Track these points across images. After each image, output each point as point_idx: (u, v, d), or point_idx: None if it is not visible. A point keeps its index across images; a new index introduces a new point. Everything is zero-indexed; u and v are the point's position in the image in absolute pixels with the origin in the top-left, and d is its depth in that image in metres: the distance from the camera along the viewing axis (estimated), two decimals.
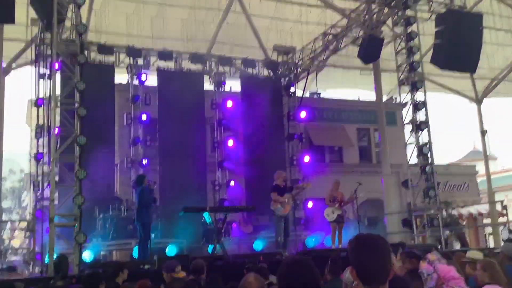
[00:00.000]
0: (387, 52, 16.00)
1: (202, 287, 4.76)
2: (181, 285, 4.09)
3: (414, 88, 13.33)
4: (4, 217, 25.83)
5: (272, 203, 11.16)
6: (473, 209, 20.75)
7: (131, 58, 15.72)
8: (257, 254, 10.93)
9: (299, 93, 18.24)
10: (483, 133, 22.70)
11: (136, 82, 15.86)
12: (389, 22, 14.71)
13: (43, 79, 13.73)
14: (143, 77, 15.71)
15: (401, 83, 13.75)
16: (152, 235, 11.80)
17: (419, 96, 13.47)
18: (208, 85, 17.34)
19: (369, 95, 22.66)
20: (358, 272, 2.31)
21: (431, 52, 13.92)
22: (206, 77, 17.21)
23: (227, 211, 11.83)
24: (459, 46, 12.97)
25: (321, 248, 13.51)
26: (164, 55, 15.97)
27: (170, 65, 16.44)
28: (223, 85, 17.12)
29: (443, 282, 5.44)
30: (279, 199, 11.11)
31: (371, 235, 2.45)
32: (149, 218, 10.99)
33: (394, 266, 2.41)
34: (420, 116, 13.34)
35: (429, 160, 13.17)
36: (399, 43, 13.89)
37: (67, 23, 11.70)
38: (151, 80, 16.31)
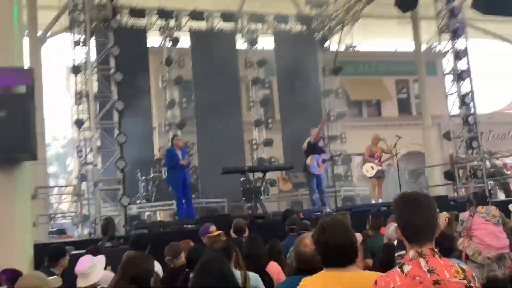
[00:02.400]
0: None
1: (243, 247, 4.81)
2: (220, 245, 4.13)
3: (455, 35, 12.79)
4: (51, 183, 26.86)
5: (308, 160, 11.09)
6: None
7: (163, 20, 15.63)
8: (297, 211, 10.97)
9: (334, 47, 17.80)
10: None
11: (169, 44, 15.83)
12: None
13: (79, 45, 13.88)
14: (176, 40, 15.63)
15: (441, 30, 13.21)
16: (193, 195, 11.92)
17: (460, 43, 12.94)
18: (241, 44, 17.13)
19: (407, 45, 21.94)
20: (403, 230, 2.28)
21: None
22: (238, 36, 16.98)
23: (265, 170, 11.87)
24: None
25: (361, 204, 13.49)
26: (196, 15, 15.81)
27: (202, 25, 16.29)
28: (256, 43, 16.86)
29: (471, 231, 5.56)
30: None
31: (416, 193, 2.42)
32: (175, 179, 10.90)
33: (439, 224, 2.36)
34: (462, 64, 12.85)
35: (472, 110, 12.77)
36: None
37: None
38: (184, 41, 16.24)
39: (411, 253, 2.22)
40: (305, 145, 11.17)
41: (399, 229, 2.31)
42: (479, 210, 5.76)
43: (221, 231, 6.06)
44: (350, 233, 2.62)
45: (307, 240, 3.41)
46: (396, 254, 4.07)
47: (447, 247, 4.11)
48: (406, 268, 2.17)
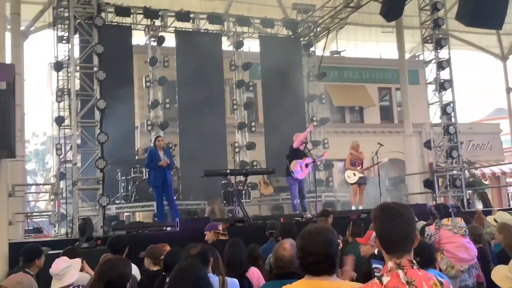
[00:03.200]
0: (410, 8, 15.50)
1: (224, 251, 4.78)
2: (197, 250, 4.11)
3: (438, 45, 12.95)
4: (29, 180, 26.48)
5: (292, 165, 11.10)
6: (497, 168, 20.48)
7: (149, 20, 15.54)
8: (278, 216, 10.99)
9: (319, 53, 17.89)
10: (508, 90, 22.17)
11: (154, 43, 15.73)
12: None
13: (62, 42, 13.72)
14: (161, 39, 15.55)
15: (424, 40, 13.37)
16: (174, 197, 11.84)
17: (443, 53, 13.12)
18: (226, 46, 17.11)
19: (391, 53, 22.17)
20: (381, 241, 2.29)
21: (455, 8, 13.44)
22: (224, 38, 16.97)
23: (247, 174, 11.84)
24: (485, 1, 12.46)
25: (341, 210, 13.53)
26: (182, 15, 15.74)
27: (187, 26, 16.23)
28: (241, 46, 16.86)
29: (440, 245, 5.62)
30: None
31: (395, 203, 2.42)
32: (155, 180, 10.87)
33: (417, 235, 2.37)
34: (444, 74, 13.01)
35: (453, 120, 12.94)
36: None
37: None
38: (169, 41, 16.15)
39: (390, 264, 2.22)
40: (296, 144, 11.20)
41: (377, 239, 2.31)
42: (445, 223, 5.80)
43: (225, 232, 6.25)
44: (329, 243, 2.61)
45: (286, 244, 3.41)
46: (373, 266, 4.07)
47: (427, 257, 4.13)
48: (385, 279, 2.17)
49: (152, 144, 12.24)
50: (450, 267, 5.44)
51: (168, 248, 5.30)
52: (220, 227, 6.58)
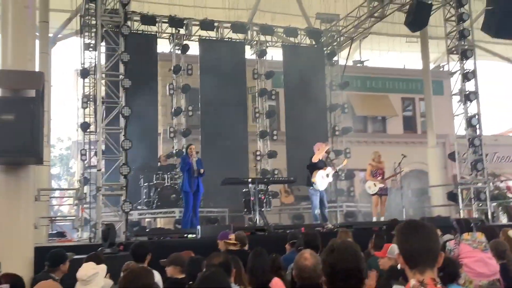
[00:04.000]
0: (435, 18, 15.39)
1: (247, 260, 4.78)
2: (220, 259, 4.12)
3: (464, 56, 12.81)
4: (53, 184, 26.91)
5: (313, 175, 11.08)
6: None
7: (174, 28, 15.73)
8: (299, 226, 10.95)
9: (342, 62, 17.87)
10: None
11: (178, 51, 15.92)
12: None
13: (88, 50, 13.98)
14: (186, 47, 15.72)
15: (450, 51, 13.24)
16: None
17: (469, 64, 12.97)
18: (249, 55, 17.20)
19: (414, 64, 22.00)
20: (404, 257, 2.28)
21: (481, 18, 13.31)
22: (247, 47, 17.06)
23: (268, 183, 11.85)
24: (511, 12, 12.31)
25: (362, 221, 13.44)
26: (206, 24, 15.89)
27: (211, 34, 16.38)
28: (264, 54, 16.93)
29: (459, 259, 5.48)
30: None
31: (419, 221, 2.44)
32: (187, 187, 10.97)
33: (442, 253, 2.36)
34: (469, 86, 12.86)
35: (478, 132, 12.76)
36: (449, 10, 13.31)
37: None
38: (193, 49, 16.32)
39: (412, 281, 2.20)
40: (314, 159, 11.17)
41: (400, 256, 2.30)
42: (465, 237, 5.72)
43: (237, 242, 6.16)
44: (359, 258, 2.62)
45: (306, 254, 3.41)
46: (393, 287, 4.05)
47: (450, 272, 4.08)
48: None
49: (184, 151, 12.30)
50: (468, 282, 5.35)
51: (193, 255, 5.32)
52: (232, 237, 6.45)
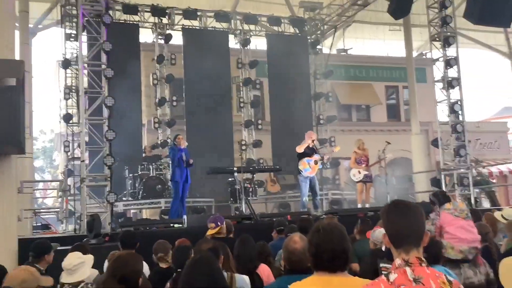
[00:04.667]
0: (418, 6, 15.44)
1: (234, 247, 4.78)
2: (209, 245, 4.12)
3: (446, 43, 12.91)
4: (37, 176, 26.60)
5: (300, 163, 11.12)
6: (504, 167, 20.38)
7: (156, 17, 15.57)
8: (285, 214, 11.00)
9: (326, 51, 17.87)
10: None
11: (161, 41, 15.77)
12: None
13: (70, 40, 13.78)
14: (169, 37, 15.58)
15: (432, 38, 13.32)
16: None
17: (451, 52, 13.07)
18: (233, 44, 17.12)
19: (398, 52, 22.11)
20: (390, 237, 2.28)
21: (463, 6, 13.39)
22: (231, 36, 16.97)
23: (254, 171, 11.84)
24: None
25: (348, 208, 13.53)
26: (189, 13, 15.75)
27: (195, 24, 16.25)
28: (248, 44, 16.86)
29: (441, 229, 5.64)
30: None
31: (405, 200, 2.42)
32: (177, 176, 10.91)
33: (427, 233, 2.37)
34: (452, 72, 12.97)
35: (460, 118, 12.89)
36: None
37: None
38: (176, 39, 16.19)
39: (398, 261, 2.21)
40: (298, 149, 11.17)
41: (386, 236, 2.31)
42: (447, 207, 5.79)
43: (220, 227, 6.07)
44: (345, 239, 2.62)
45: (296, 237, 3.41)
46: (380, 265, 4.07)
47: (433, 253, 4.12)
48: (392, 276, 2.16)
49: (172, 142, 12.19)
50: (450, 248, 5.41)
51: (188, 243, 5.27)
52: (211, 225, 6.17)
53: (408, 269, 2.15)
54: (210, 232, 5.99)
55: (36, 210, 12.87)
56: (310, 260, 2.66)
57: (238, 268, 4.45)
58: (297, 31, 17.66)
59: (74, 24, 13.33)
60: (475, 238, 5.55)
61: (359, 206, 11.99)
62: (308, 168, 11.05)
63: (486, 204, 14.65)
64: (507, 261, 2.89)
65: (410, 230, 2.24)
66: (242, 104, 16.66)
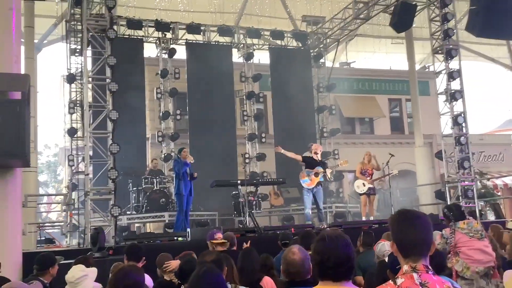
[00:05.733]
0: (420, 20, 15.56)
1: (237, 259, 4.77)
2: (213, 257, 4.11)
3: (449, 56, 12.95)
4: (41, 191, 26.66)
5: (300, 174, 11.12)
6: (509, 180, 20.30)
7: (160, 32, 15.71)
8: (289, 227, 10.96)
9: (328, 64, 17.95)
10: None
11: (165, 56, 15.89)
12: None
13: (74, 55, 13.90)
14: (172, 51, 15.71)
15: (435, 51, 13.38)
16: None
17: (454, 64, 13.12)
18: (236, 58, 17.23)
19: (400, 65, 22.19)
20: (398, 245, 2.30)
21: (465, 19, 13.48)
22: (234, 50, 17.08)
23: (257, 184, 11.84)
24: (495, 12, 12.47)
25: (352, 221, 13.48)
26: (193, 28, 15.89)
27: (198, 38, 16.38)
28: (251, 58, 16.96)
29: (457, 248, 5.63)
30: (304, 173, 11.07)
31: (413, 210, 2.44)
32: (180, 189, 10.96)
33: (434, 242, 2.38)
34: (455, 85, 13.00)
35: (464, 130, 12.89)
36: (433, 10, 13.47)
37: None
38: (180, 53, 16.31)
39: (405, 267, 2.24)
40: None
41: (394, 244, 2.32)
42: (461, 226, 5.76)
43: (225, 240, 6.09)
44: (349, 246, 2.61)
45: (295, 248, 3.40)
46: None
47: (437, 263, 4.11)
48: (399, 281, 2.20)
49: (176, 155, 12.18)
50: (465, 268, 5.41)
51: (194, 256, 5.27)
52: (219, 236, 6.31)
53: (415, 275, 2.20)
54: (215, 241, 6.02)
55: (40, 224, 12.87)
56: (314, 269, 2.65)
57: (241, 280, 4.44)
58: (300, 45, 17.77)
59: (78, 39, 13.46)
60: (491, 258, 5.55)
61: (363, 219, 11.94)
62: (307, 179, 11.01)
63: (491, 216, 14.58)
64: (509, 273, 2.91)
65: (419, 240, 2.27)
66: (245, 118, 16.72)
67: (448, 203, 12.69)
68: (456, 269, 5.49)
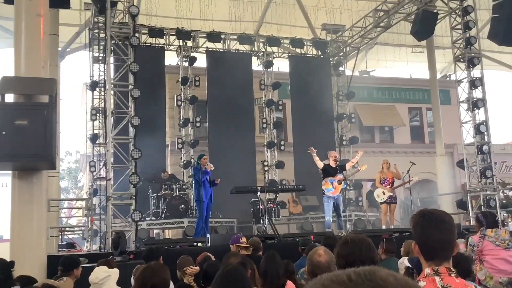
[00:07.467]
0: (441, 28, 15.46)
1: (260, 263, 4.77)
2: (238, 259, 4.13)
3: (471, 64, 12.84)
4: (62, 197, 26.96)
5: (323, 183, 11.10)
6: None
7: (181, 40, 15.89)
8: (308, 233, 10.92)
9: (348, 72, 17.93)
10: None
11: (185, 63, 16.07)
12: None
13: (97, 62, 14.13)
14: (193, 59, 15.87)
15: (456, 59, 13.27)
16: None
17: (476, 73, 12.99)
18: (256, 66, 17.32)
19: (421, 73, 22.05)
20: (421, 247, 2.25)
21: (487, 28, 13.36)
22: (254, 58, 17.18)
23: (277, 191, 11.84)
24: None
25: (372, 229, 13.37)
26: (213, 36, 16.05)
27: (218, 46, 16.52)
28: (271, 66, 17.04)
29: (482, 255, 5.52)
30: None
31: (436, 210, 2.38)
32: (200, 196, 11.00)
33: (457, 244, 2.35)
34: (477, 93, 12.87)
35: (486, 139, 12.73)
36: (455, 18, 13.38)
37: (119, 6, 11.94)
38: (200, 61, 16.46)
39: (427, 270, 2.20)
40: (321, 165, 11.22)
41: (416, 245, 2.28)
42: (488, 234, 5.70)
43: (250, 245, 6.16)
44: (373, 250, 2.61)
45: (320, 250, 3.39)
46: None
47: (463, 268, 4.07)
48: (421, 284, 2.15)
49: (195, 161, 12.26)
50: (488, 278, 5.34)
51: (213, 258, 5.32)
52: (244, 240, 6.43)
53: (437, 278, 2.15)
54: (240, 245, 6.09)
55: (62, 228, 13.04)
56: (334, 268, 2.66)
57: (265, 284, 4.43)
58: (320, 53, 17.79)
59: (101, 47, 13.70)
60: None
61: (383, 227, 11.84)
62: (331, 188, 11.02)
63: None
64: None
65: (442, 244, 2.22)
66: (264, 125, 16.76)
67: (470, 212, 12.56)
68: (479, 278, 5.42)
